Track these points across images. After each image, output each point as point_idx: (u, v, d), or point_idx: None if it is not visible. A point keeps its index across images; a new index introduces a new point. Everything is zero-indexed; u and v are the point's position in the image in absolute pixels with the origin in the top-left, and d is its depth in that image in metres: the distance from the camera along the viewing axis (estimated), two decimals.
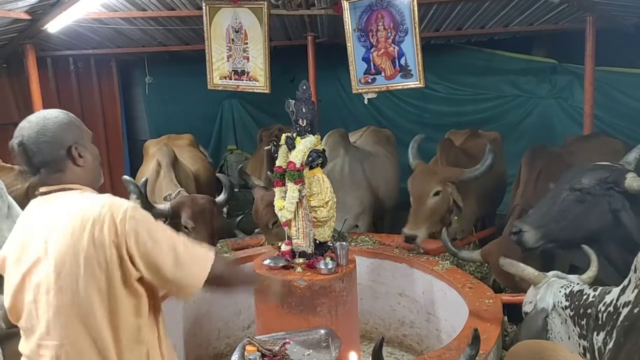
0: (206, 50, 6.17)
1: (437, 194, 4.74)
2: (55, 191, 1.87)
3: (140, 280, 1.82)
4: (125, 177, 4.74)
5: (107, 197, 1.84)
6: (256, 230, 5.60)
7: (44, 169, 1.87)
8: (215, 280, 1.92)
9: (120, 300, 1.79)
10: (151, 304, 1.89)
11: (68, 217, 1.78)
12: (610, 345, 2.35)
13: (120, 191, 4.57)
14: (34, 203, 1.92)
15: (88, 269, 1.74)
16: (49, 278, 1.77)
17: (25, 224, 1.91)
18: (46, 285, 1.78)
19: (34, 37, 6.02)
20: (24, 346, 1.87)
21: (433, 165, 5.09)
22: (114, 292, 1.77)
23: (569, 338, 2.75)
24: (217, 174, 5.52)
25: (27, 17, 5.24)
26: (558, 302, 2.82)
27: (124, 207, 1.79)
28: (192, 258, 1.88)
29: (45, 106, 6.37)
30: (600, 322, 2.52)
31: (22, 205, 4.24)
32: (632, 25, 6.40)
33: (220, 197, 5.13)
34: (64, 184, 1.88)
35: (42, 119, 1.88)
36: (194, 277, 1.87)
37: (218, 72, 6.24)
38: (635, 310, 2.29)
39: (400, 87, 5.84)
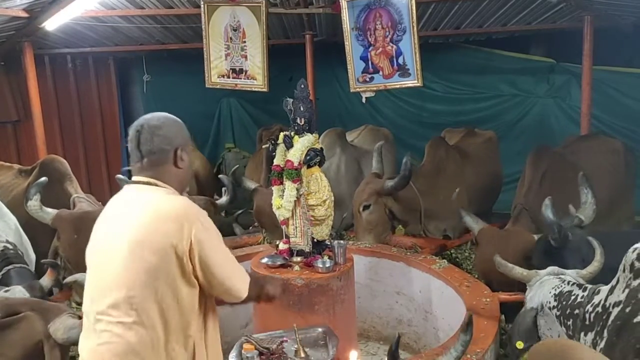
0: (204, 49, 6.17)
1: (366, 207, 4.89)
2: (145, 184, 2.05)
3: (196, 278, 1.99)
4: (119, 176, 4.73)
5: (185, 202, 2.02)
6: (250, 228, 5.60)
7: (148, 158, 2.04)
8: (246, 299, 2.18)
9: (175, 297, 1.93)
10: (202, 303, 2.04)
11: (149, 209, 1.97)
12: (602, 345, 2.36)
13: (118, 189, 4.56)
14: (126, 189, 2.10)
15: (150, 262, 1.89)
16: (119, 260, 1.92)
17: (114, 206, 2.10)
18: (115, 267, 1.93)
19: (31, 35, 6.01)
20: (90, 308, 2.00)
21: (371, 179, 5.13)
22: (171, 289, 1.92)
23: (559, 336, 2.75)
24: (220, 176, 5.52)
25: (25, 15, 5.23)
26: (547, 302, 2.83)
27: (200, 213, 2.01)
28: (237, 274, 2.11)
29: (43, 105, 6.37)
30: (587, 322, 2.52)
31: (21, 204, 4.26)
32: (630, 25, 6.42)
33: (223, 199, 5.10)
34: (157, 179, 2.05)
35: (163, 117, 2.13)
36: (238, 290, 2.11)
37: (216, 70, 6.24)
38: (627, 310, 2.30)
39: (398, 86, 5.86)
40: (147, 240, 1.90)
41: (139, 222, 1.93)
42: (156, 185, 2.04)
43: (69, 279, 3.02)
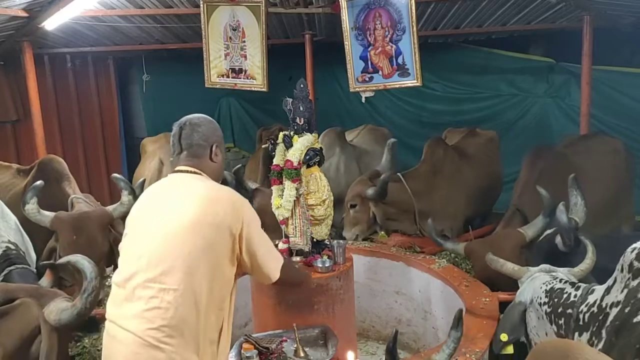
0: (204, 48, 6.16)
1: (353, 206, 5.08)
2: (191, 172, 2.30)
3: (237, 258, 2.23)
4: (115, 175, 4.70)
5: (233, 190, 2.34)
6: None
7: (187, 151, 2.33)
8: (281, 280, 2.46)
9: (221, 272, 2.17)
10: (235, 282, 2.29)
11: (201, 192, 2.21)
12: (600, 346, 2.35)
13: (117, 189, 4.57)
14: (173, 176, 2.34)
15: (206, 238, 2.12)
16: (179, 234, 2.12)
17: (164, 189, 2.33)
18: (174, 240, 2.12)
19: (31, 35, 6.00)
20: (131, 278, 2.13)
21: (362, 179, 5.27)
22: (219, 264, 2.16)
23: (546, 334, 2.74)
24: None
25: (25, 14, 5.23)
26: (537, 297, 2.82)
27: (244, 200, 2.29)
28: (274, 255, 2.41)
29: (43, 104, 6.36)
30: (581, 322, 2.51)
31: (19, 204, 4.26)
32: (629, 25, 6.42)
33: None
34: (198, 169, 2.31)
35: (204, 117, 2.44)
36: (272, 270, 2.38)
37: (215, 70, 6.24)
38: (626, 310, 2.29)
39: (397, 86, 5.86)
40: (206, 221, 2.12)
41: (198, 204, 2.15)
42: (200, 174, 2.29)
43: (62, 260, 2.98)
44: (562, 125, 7.41)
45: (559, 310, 2.65)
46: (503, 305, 3.56)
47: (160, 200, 2.27)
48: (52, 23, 5.40)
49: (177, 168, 2.33)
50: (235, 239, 2.17)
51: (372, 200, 4.95)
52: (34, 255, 4.03)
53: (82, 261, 2.67)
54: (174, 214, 2.15)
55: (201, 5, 5.95)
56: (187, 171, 2.29)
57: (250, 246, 2.22)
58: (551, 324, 2.69)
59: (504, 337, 2.86)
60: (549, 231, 3.67)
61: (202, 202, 2.16)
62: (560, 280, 2.83)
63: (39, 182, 4.25)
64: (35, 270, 3.72)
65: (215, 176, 2.37)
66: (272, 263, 2.37)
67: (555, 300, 2.70)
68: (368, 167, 5.86)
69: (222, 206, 2.17)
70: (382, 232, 5.05)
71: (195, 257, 2.09)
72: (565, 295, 2.68)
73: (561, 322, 2.62)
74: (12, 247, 3.66)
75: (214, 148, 2.35)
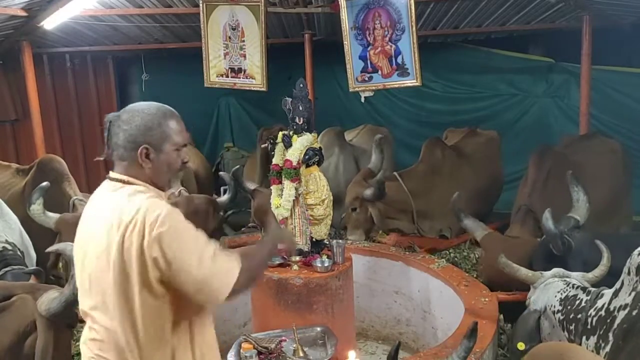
0: (203, 48, 6.16)
1: (353, 209, 5.08)
2: (119, 181, 1.92)
3: (164, 283, 1.83)
4: None
5: (146, 201, 1.83)
6: (243, 229, 5.57)
7: (115, 151, 1.94)
8: (239, 292, 1.91)
9: (140, 302, 1.81)
10: (180, 306, 1.89)
11: (110, 215, 1.83)
12: (607, 349, 2.34)
13: None
14: (104, 185, 1.97)
15: (115, 269, 1.80)
16: (93, 266, 1.87)
17: (93, 205, 1.98)
18: (91, 272, 1.88)
19: (30, 34, 6.00)
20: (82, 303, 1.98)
21: (358, 180, 5.24)
22: (133, 294, 1.81)
23: (559, 341, 2.75)
24: (221, 173, 5.52)
25: (24, 13, 5.23)
26: (551, 305, 2.82)
27: (157, 212, 1.80)
28: (217, 271, 1.85)
29: (42, 104, 6.35)
30: (589, 326, 2.52)
31: (18, 203, 4.24)
32: (629, 24, 6.42)
33: (224, 197, 5.09)
34: (128, 176, 1.92)
35: (139, 110, 1.95)
36: (217, 291, 1.85)
37: (215, 69, 6.24)
38: (634, 313, 2.28)
39: (397, 86, 5.86)
40: (113, 250, 1.79)
41: (105, 230, 1.82)
42: (129, 183, 1.91)
43: (51, 248, 2.97)
44: (561, 125, 7.41)
45: (571, 317, 2.66)
46: (502, 306, 3.58)
47: (86, 222, 1.96)
48: (51, 22, 5.40)
49: (108, 175, 1.97)
50: (148, 267, 1.78)
51: (370, 201, 4.94)
52: (33, 255, 4.02)
53: (69, 247, 2.67)
54: (91, 243, 1.88)
55: (200, 5, 5.94)
56: (114, 179, 1.93)
57: (173, 270, 1.79)
58: (563, 331, 2.69)
59: (521, 345, 2.85)
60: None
61: (110, 230, 1.80)
62: (573, 286, 2.82)
63: (45, 184, 4.24)
64: None
65: (151, 182, 1.95)
66: (215, 283, 1.84)
67: (569, 307, 2.71)
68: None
69: (127, 232, 1.78)
70: (381, 232, 5.07)
71: (113, 294, 1.82)
72: (577, 302, 2.68)
73: (572, 327, 2.63)
74: (9, 247, 3.65)
75: (141, 150, 1.89)
